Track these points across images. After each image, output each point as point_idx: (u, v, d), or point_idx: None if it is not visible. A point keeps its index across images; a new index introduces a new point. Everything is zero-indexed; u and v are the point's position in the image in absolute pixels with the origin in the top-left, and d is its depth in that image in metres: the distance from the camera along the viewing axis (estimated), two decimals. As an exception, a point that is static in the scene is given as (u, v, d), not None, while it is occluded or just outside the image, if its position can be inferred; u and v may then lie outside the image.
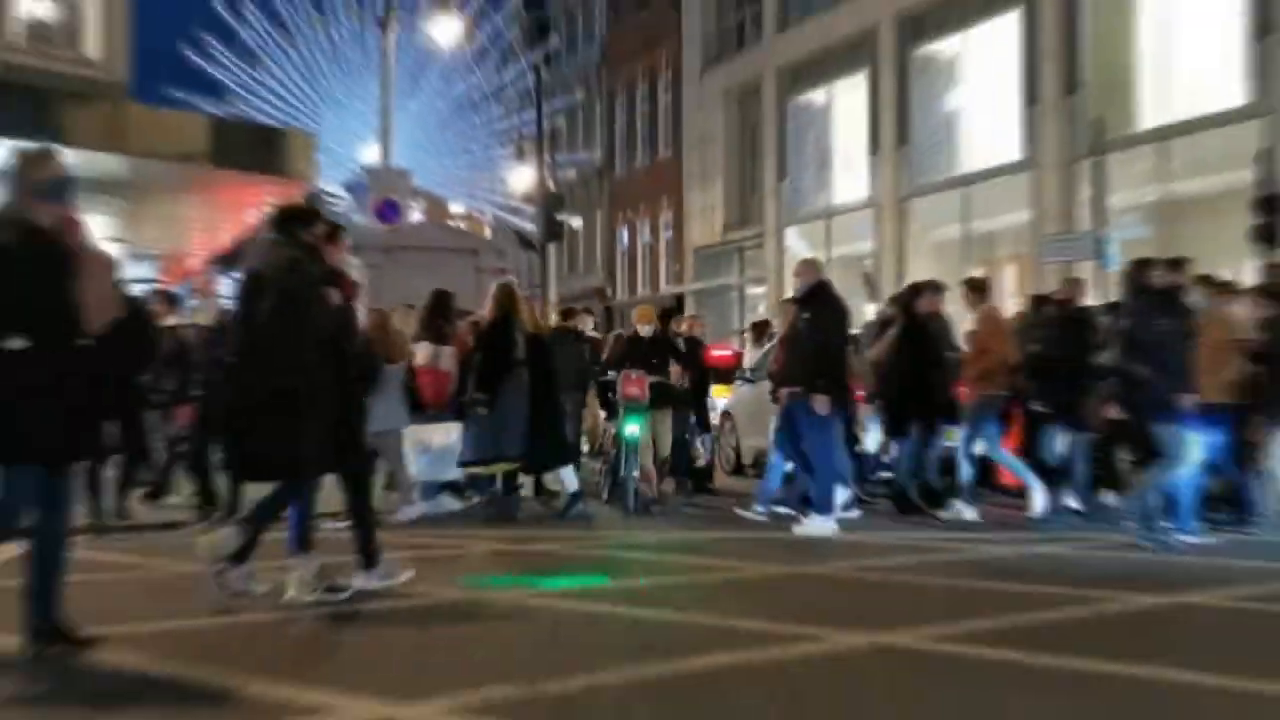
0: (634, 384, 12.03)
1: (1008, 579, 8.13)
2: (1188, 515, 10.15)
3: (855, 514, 11.52)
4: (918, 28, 30.69)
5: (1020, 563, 9.09)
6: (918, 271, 25.87)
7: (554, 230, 28.91)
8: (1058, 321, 12.03)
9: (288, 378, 6.82)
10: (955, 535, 10.57)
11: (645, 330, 12.66)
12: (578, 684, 5.10)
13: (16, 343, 5.36)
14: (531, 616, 6.90)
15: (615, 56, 46.10)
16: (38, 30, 22.71)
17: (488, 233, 38.46)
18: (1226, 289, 11.95)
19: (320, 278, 7.16)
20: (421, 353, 11.91)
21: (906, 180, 30.73)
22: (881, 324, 12.68)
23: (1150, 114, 24.77)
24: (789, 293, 12.81)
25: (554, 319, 16.83)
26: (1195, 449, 9.96)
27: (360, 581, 7.24)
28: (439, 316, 12.43)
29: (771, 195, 35.65)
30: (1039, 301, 13.09)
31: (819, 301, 11.08)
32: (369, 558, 7.32)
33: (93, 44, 23.13)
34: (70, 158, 21.33)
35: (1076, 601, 7.24)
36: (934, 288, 12.91)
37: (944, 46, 30.30)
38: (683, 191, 40.44)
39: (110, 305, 5.98)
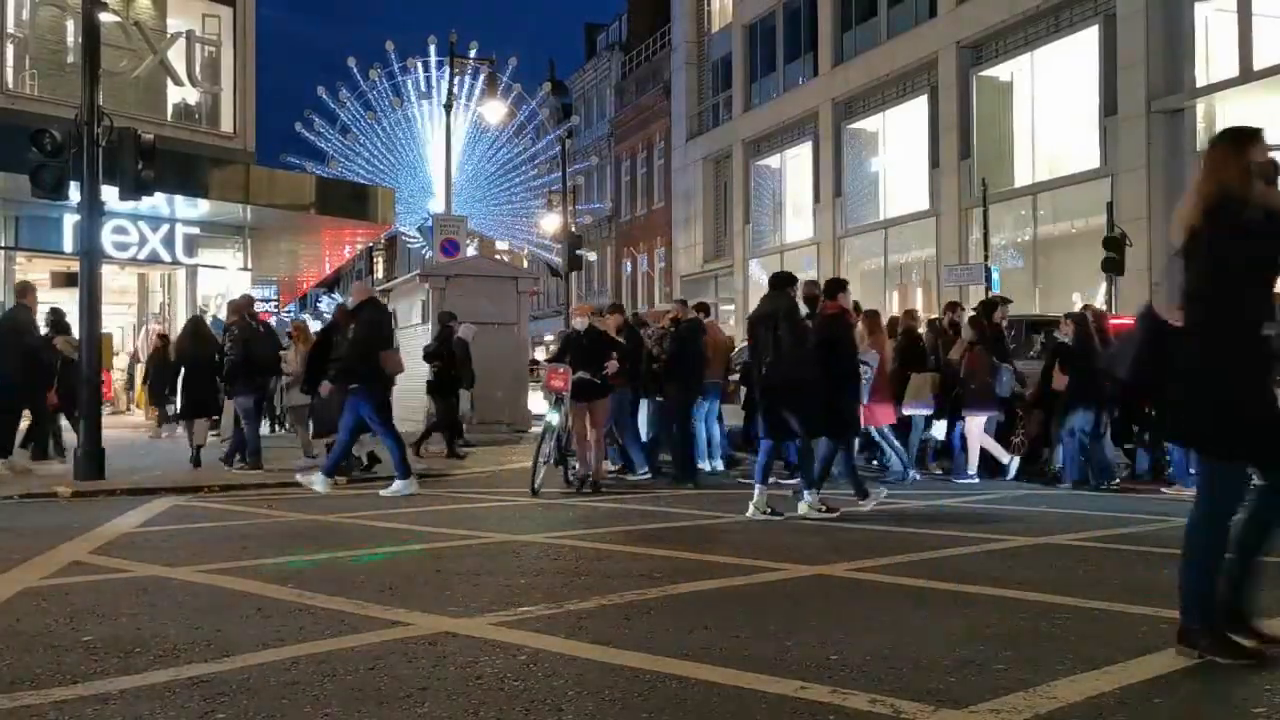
0: (557, 377, 10.55)
1: (917, 524, 8.13)
2: None
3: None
4: (849, 109, 30.71)
5: (928, 511, 9.06)
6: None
7: (575, 262, 28.86)
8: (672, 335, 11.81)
9: (796, 371, 8.37)
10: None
11: (580, 323, 10.85)
12: (592, 603, 5.10)
13: (1273, 329, 4.01)
14: (560, 554, 6.92)
15: (621, 131, 46.11)
16: (187, 112, 22.88)
17: (525, 264, 38.40)
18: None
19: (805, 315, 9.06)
20: None
21: (841, 224, 30.77)
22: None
23: (1023, 174, 24.82)
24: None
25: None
26: None
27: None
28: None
29: (739, 235, 35.67)
30: (640, 321, 13.37)
31: (366, 311, 10.55)
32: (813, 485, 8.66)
33: (228, 122, 23.25)
34: (209, 207, 21.15)
35: (963, 543, 7.25)
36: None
37: (869, 123, 30.33)
38: (672, 232, 40.45)
39: None
